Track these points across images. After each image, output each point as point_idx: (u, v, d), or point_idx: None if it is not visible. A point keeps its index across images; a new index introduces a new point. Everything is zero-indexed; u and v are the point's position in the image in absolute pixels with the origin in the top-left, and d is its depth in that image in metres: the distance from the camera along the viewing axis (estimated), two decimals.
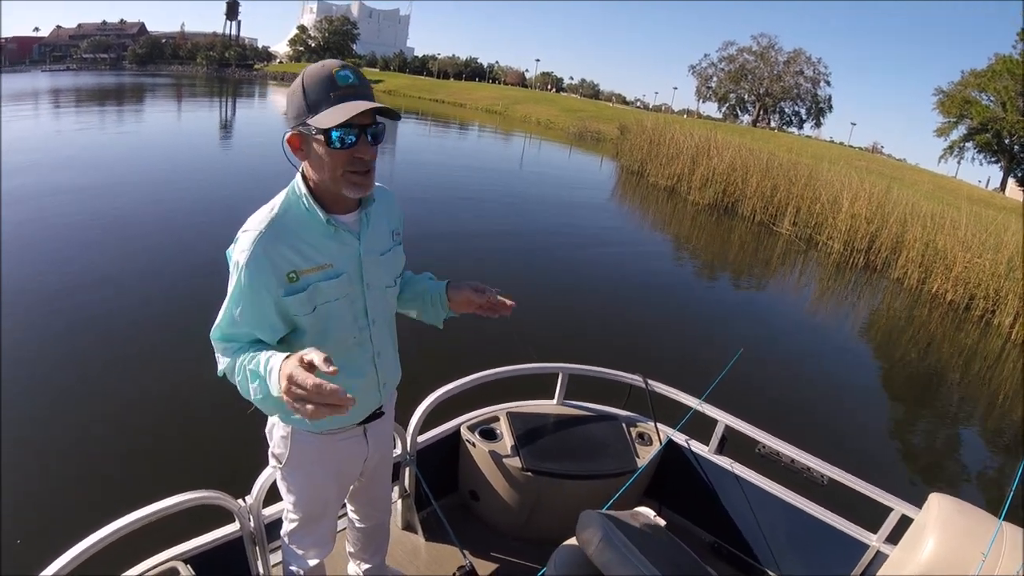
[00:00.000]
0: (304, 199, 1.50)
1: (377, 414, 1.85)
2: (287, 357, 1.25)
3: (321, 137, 1.39)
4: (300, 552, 2.01)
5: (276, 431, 1.77)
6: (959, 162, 51.23)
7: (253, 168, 15.56)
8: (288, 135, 1.46)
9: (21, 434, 4.19)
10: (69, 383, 4.96)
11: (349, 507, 2.25)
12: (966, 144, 48.91)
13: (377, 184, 1.62)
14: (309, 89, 1.39)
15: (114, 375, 5.18)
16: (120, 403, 4.76)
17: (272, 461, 1.84)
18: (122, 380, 5.11)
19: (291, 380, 1.17)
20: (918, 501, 2.29)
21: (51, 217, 9.33)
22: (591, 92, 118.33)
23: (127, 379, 5.14)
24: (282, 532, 2.01)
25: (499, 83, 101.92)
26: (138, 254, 8.15)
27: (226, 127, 26.65)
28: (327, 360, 1.17)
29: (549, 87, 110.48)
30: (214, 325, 1.52)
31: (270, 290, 1.46)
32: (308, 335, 1.56)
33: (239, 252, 1.46)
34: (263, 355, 1.38)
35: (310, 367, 1.18)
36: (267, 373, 1.32)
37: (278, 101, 44.92)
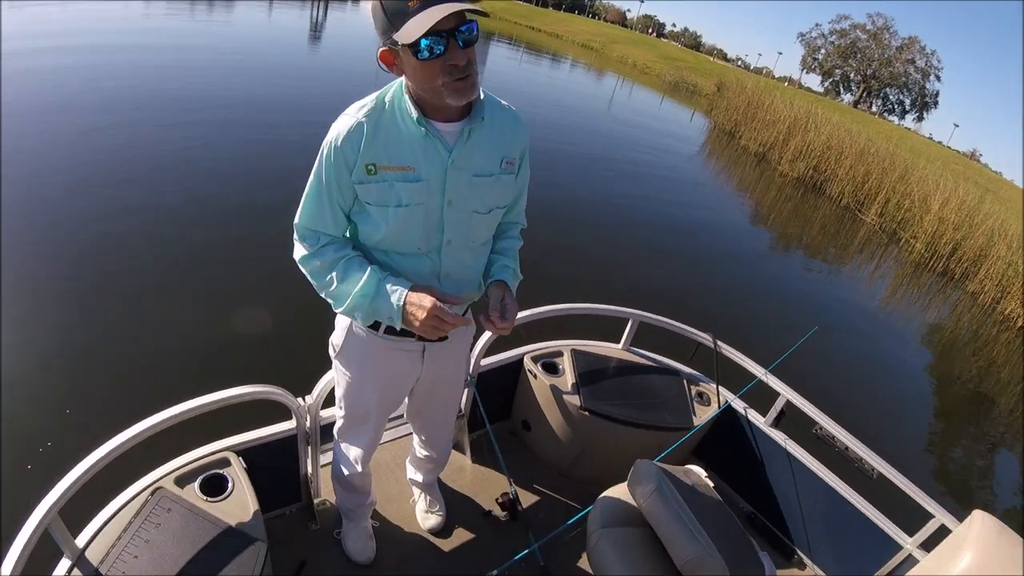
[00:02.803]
0: (403, 99, 1.48)
1: (437, 339, 1.72)
2: (414, 288, 1.51)
3: (409, 50, 1.33)
4: (344, 453, 2.10)
5: (340, 319, 1.80)
6: None
7: (335, 71, 15.61)
8: (379, 52, 1.42)
9: (106, 317, 4.38)
10: (153, 273, 5.09)
11: (413, 425, 2.28)
12: None
13: (505, 104, 1.62)
14: (387, 3, 1.32)
15: (197, 267, 5.30)
16: (198, 296, 4.90)
17: (330, 350, 1.88)
18: (201, 274, 5.22)
19: (431, 311, 1.45)
20: (957, 514, 2.30)
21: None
22: (692, 43, 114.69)
23: (206, 273, 5.25)
24: (334, 429, 2.11)
25: (599, 19, 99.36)
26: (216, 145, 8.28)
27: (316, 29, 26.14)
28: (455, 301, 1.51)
29: (650, 31, 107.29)
30: (298, 212, 1.57)
31: (350, 171, 1.48)
32: (377, 227, 1.54)
33: (331, 132, 1.48)
34: (376, 269, 1.54)
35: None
36: (388, 288, 1.51)
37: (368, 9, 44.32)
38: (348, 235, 1.63)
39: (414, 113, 1.44)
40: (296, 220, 1.58)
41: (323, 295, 1.61)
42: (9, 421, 3.37)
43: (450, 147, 1.49)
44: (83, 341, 4.11)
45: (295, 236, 1.60)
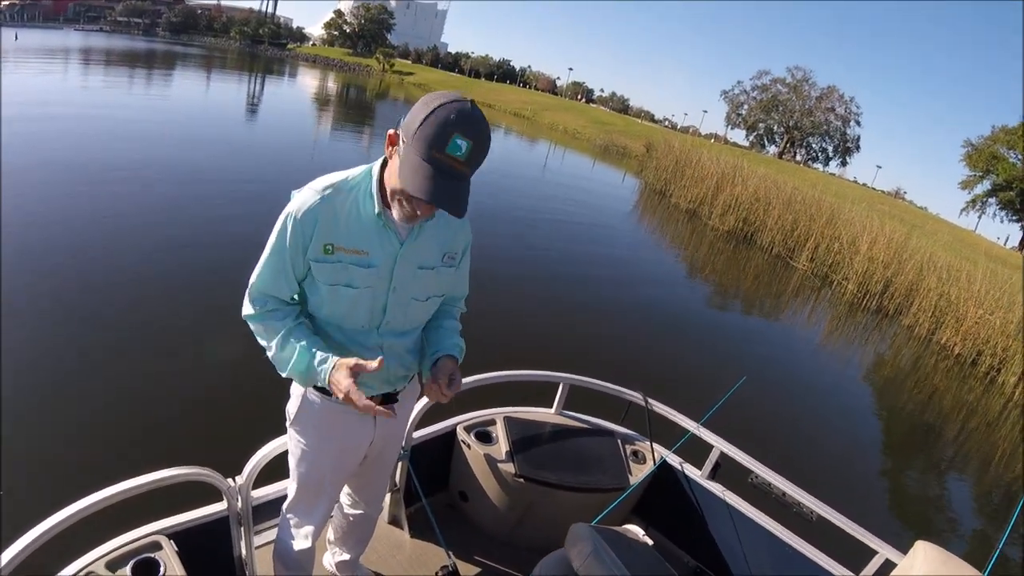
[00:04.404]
0: (370, 186, 1.54)
1: (388, 399, 1.83)
2: (338, 364, 1.53)
3: (404, 163, 1.39)
4: (293, 529, 2.08)
5: (295, 386, 1.84)
6: (980, 216, 51.28)
7: (272, 146, 15.75)
8: (391, 131, 1.46)
9: (32, 397, 4.26)
10: (77, 355, 4.97)
11: (344, 493, 2.28)
12: (989, 199, 48.95)
13: None
14: (427, 123, 1.33)
15: (128, 348, 5.20)
16: (127, 376, 4.80)
17: (286, 420, 1.90)
18: (132, 355, 5.12)
19: (346, 393, 1.49)
20: (903, 547, 2.29)
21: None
22: (620, 106, 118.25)
23: (138, 353, 5.15)
24: (284, 504, 2.09)
25: (530, 88, 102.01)
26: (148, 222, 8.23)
27: (253, 103, 26.80)
28: (372, 368, 1.50)
29: (579, 97, 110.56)
30: (254, 274, 1.62)
31: (306, 247, 1.54)
32: (325, 302, 1.62)
33: (294, 202, 1.53)
34: (311, 343, 1.59)
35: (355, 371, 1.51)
36: (316, 364, 1.56)
37: (306, 83, 45.13)
38: (296, 299, 1.69)
39: (377, 205, 1.52)
40: (251, 281, 1.63)
41: (267, 355, 1.66)
42: None
43: (402, 240, 1.58)
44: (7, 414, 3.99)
45: (247, 295, 1.65)
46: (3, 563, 1.57)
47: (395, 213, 1.48)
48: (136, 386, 4.66)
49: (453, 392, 1.64)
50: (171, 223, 8.22)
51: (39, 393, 4.33)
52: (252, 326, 1.67)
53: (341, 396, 1.51)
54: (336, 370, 1.53)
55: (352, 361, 1.53)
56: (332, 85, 50.22)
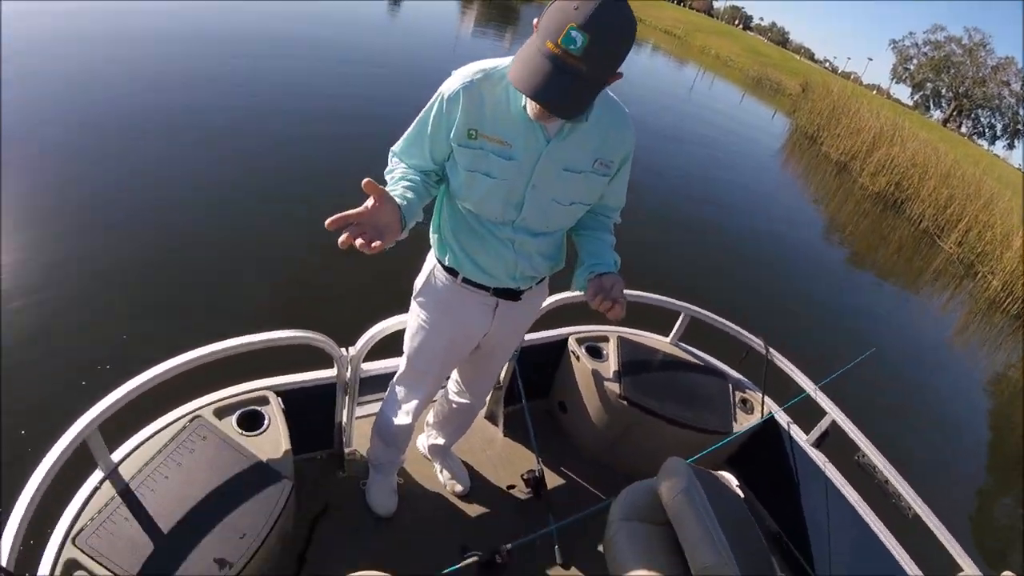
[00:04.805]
0: None
1: (511, 294, 1.82)
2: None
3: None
4: (398, 402, 2.16)
5: (426, 264, 1.90)
6: None
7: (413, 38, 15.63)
8: (536, 20, 1.35)
9: (174, 252, 4.64)
10: (218, 215, 5.34)
11: (451, 379, 2.33)
12: None
13: (618, 105, 1.59)
14: (550, 11, 1.26)
15: (264, 212, 5.56)
16: (259, 240, 5.15)
17: (412, 293, 1.95)
18: (265, 221, 5.46)
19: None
20: (988, 570, 2.18)
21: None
22: (779, 39, 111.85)
23: (269, 220, 5.47)
24: (393, 379, 2.18)
25: (684, 5, 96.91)
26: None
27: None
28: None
29: (736, 22, 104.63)
30: (400, 140, 1.67)
31: (450, 129, 1.52)
32: (463, 187, 1.59)
33: (446, 83, 1.52)
34: (395, 188, 1.55)
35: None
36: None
37: None
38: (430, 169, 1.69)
39: (523, 99, 1.44)
40: (393, 147, 1.69)
41: None
42: (71, 337, 3.65)
43: (549, 137, 1.50)
44: (146, 273, 4.37)
45: (389, 155, 1.71)
46: (119, 395, 1.68)
47: (530, 112, 1.42)
48: (266, 253, 5.01)
49: (621, 306, 1.51)
50: (309, 95, 8.77)
51: (183, 241, 4.78)
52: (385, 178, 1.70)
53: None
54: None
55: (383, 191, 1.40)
56: None
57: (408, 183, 1.56)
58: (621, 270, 1.64)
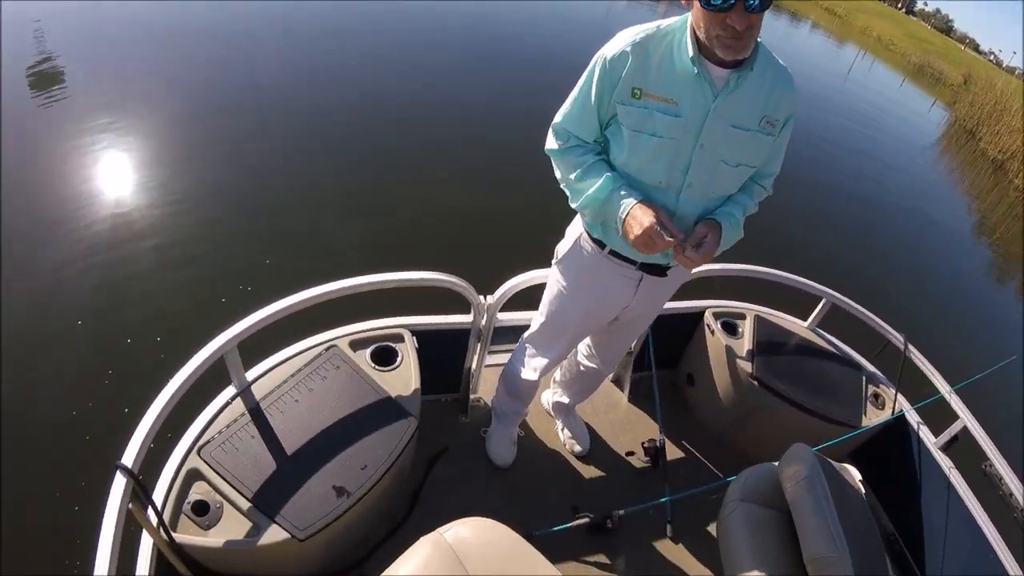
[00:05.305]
0: (685, 33, 1.47)
1: (658, 270, 1.78)
2: (642, 203, 1.53)
3: None
4: (527, 358, 2.18)
5: (571, 230, 1.87)
6: None
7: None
8: None
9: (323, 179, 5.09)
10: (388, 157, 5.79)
11: (583, 343, 2.31)
12: None
13: (780, 62, 1.58)
14: None
15: (425, 156, 5.95)
16: (420, 181, 5.50)
17: (554, 257, 1.95)
18: (429, 165, 5.81)
19: (647, 230, 1.48)
20: None
21: None
22: (943, 26, 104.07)
23: (433, 165, 5.83)
24: (525, 334, 2.19)
25: None
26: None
27: None
28: (672, 235, 1.50)
29: (899, 5, 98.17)
30: (560, 113, 1.64)
31: (614, 88, 1.50)
32: (626, 149, 1.55)
33: (608, 45, 1.51)
34: (617, 176, 1.58)
35: (660, 224, 1.49)
36: (620, 194, 1.55)
37: None
38: (599, 143, 1.66)
39: (691, 51, 1.44)
40: (556, 119, 1.65)
41: (563, 187, 1.71)
42: (226, 259, 4.08)
43: (717, 92, 1.48)
44: (295, 209, 4.82)
45: (550, 130, 1.67)
46: (259, 317, 1.74)
47: (719, 50, 1.40)
48: (418, 198, 5.32)
49: (700, 258, 1.54)
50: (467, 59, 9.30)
51: (329, 184, 5.20)
52: (554, 160, 1.69)
53: (638, 232, 1.50)
54: (640, 205, 1.52)
55: (657, 208, 1.53)
56: None
57: (611, 172, 1.59)
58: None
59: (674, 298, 2.36)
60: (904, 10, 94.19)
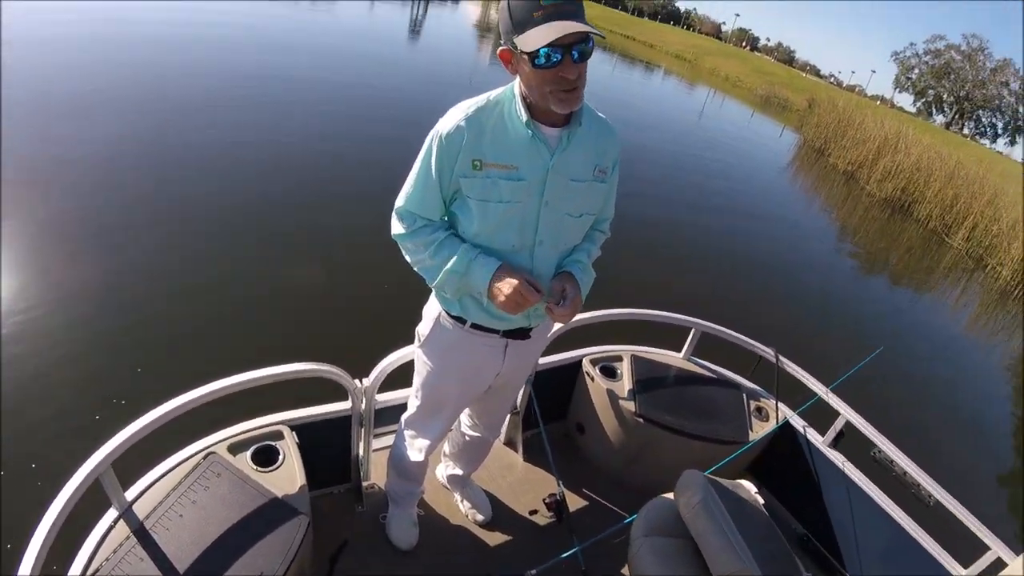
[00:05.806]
0: (514, 101, 1.52)
1: (521, 333, 1.80)
2: (503, 266, 1.57)
3: (526, 56, 1.38)
4: (409, 440, 2.16)
5: (428, 310, 1.86)
6: None
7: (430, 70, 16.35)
8: (499, 51, 1.48)
9: (183, 287, 4.68)
10: (228, 246, 5.42)
11: (464, 414, 2.30)
12: None
13: (601, 116, 1.67)
14: (514, 8, 1.37)
15: (271, 243, 5.63)
16: (268, 274, 5.18)
17: (416, 340, 1.93)
18: (275, 252, 5.52)
19: (518, 287, 1.52)
20: (1016, 549, 2.25)
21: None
22: (785, 57, 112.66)
23: (279, 251, 5.55)
24: (403, 416, 2.16)
25: (693, 31, 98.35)
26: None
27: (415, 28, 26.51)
28: (535, 298, 1.54)
29: (744, 44, 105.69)
30: (401, 195, 1.64)
31: (453, 165, 1.52)
32: (475, 219, 1.57)
33: (442, 122, 1.53)
34: (470, 248, 1.59)
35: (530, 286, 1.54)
36: (478, 264, 1.57)
37: (468, 12, 43.77)
38: (446, 219, 1.68)
39: (524, 116, 1.49)
40: (398, 203, 1.65)
41: (416, 269, 1.70)
42: (88, 372, 3.70)
43: (552, 150, 1.54)
44: (157, 309, 4.44)
45: (394, 215, 1.67)
46: (132, 432, 1.67)
47: (554, 106, 1.44)
48: (276, 287, 5.05)
49: (571, 311, 1.60)
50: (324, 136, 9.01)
51: (188, 278, 4.83)
52: (402, 244, 1.69)
53: (508, 292, 1.52)
54: (503, 267, 1.56)
55: (517, 269, 1.59)
56: (494, 15, 49.16)
57: (465, 244, 1.61)
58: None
59: (551, 351, 2.48)
60: (749, 47, 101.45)
